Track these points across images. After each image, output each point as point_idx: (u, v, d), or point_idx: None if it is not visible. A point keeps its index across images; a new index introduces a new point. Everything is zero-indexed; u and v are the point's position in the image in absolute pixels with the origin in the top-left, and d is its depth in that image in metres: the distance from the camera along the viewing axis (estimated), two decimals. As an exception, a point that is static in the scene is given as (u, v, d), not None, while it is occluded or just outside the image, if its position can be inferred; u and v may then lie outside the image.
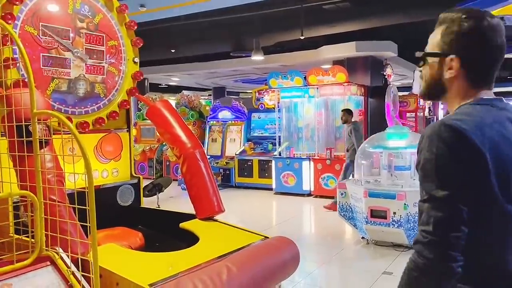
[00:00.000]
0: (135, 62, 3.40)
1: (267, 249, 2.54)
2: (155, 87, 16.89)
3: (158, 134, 12.14)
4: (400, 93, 10.99)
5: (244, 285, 2.23)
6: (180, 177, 10.08)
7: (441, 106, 17.53)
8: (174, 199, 9.00)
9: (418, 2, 8.83)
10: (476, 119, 1.20)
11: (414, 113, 10.25)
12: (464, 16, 1.25)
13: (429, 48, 1.34)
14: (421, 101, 10.88)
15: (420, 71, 1.37)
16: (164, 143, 11.94)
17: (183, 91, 16.06)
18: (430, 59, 1.32)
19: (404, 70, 12.42)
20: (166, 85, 17.18)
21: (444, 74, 1.28)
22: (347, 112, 8.06)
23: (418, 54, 1.36)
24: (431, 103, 13.47)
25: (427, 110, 12.19)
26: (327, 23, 9.57)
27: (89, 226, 1.95)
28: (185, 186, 9.41)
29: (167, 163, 11.85)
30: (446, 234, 1.11)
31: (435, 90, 1.34)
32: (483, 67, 1.28)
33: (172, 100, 14.10)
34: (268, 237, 2.75)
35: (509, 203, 1.16)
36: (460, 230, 1.11)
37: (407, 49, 11.55)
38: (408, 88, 13.38)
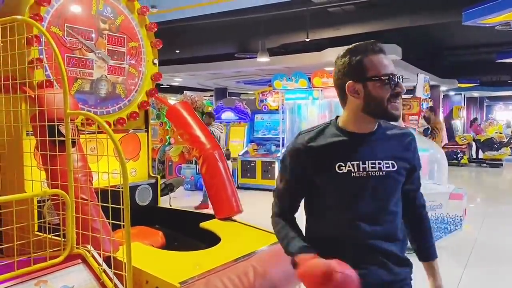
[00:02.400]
0: (154, 64, 3.44)
1: (289, 249, 2.58)
2: (156, 87, 16.87)
3: (160, 134, 12.19)
4: (403, 96, 11.03)
5: (269, 284, 2.28)
6: (184, 177, 10.12)
7: (441, 109, 17.68)
8: (177, 200, 9.02)
9: (422, 6, 8.91)
10: None
11: (417, 116, 10.30)
12: None
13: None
14: (424, 105, 10.94)
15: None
16: (166, 144, 11.97)
17: (185, 91, 16.08)
18: None
19: (407, 73, 12.50)
20: (168, 85, 17.19)
21: None
22: (208, 115, 8.67)
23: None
24: (433, 106, 13.54)
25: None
26: (332, 26, 9.64)
27: (123, 225, 1.99)
28: (188, 186, 9.38)
29: (170, 163, 11.87)
30: None
31: None
32: None
33: (173, 100, 14.12)
34: (288, 238, 2.78)
35: None
36: None
37: (411, 53, 11.64)
38: (411, 91, 13.45)
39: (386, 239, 1.54)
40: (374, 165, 1.51)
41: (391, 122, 1.62)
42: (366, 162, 1.50)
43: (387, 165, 1.52)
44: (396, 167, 1.53)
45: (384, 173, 1.52)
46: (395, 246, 1.56)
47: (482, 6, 6.25)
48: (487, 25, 7.20)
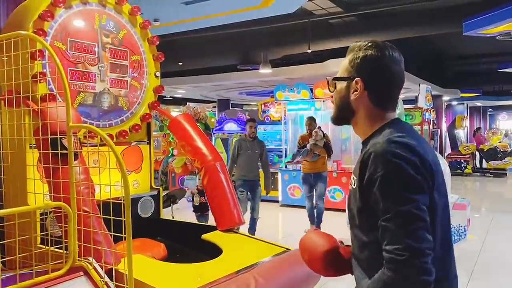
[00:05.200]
0: (156, 76, 3.47)
1: (291, 261, 2.58)
2: (159, 99, 16.97)
3: (163, 146, 12.22)
4: (405, 106, 11.06)
5: (271, 296, 2.27)
6: (187, 189, 10.11)
7: (444, 119, 17.67)
8: (180, 211, 9.00)
9: (423, 17, 8.98)
10: (410, 133, 1.30)
11: (420, 126, 10.31)
12: (369, 44, 1.35)
13: (339, 74, 1.42)
14: (426, 114, 10.95)
15: (332, 97, 1.44)
16: (169, 155, 11.99)
17: (188, 103, 16.16)
18: (338, 84, 1.40)
19: (408, 83, 12.53)
20: (171, 97, 17.29)
21: (350, 96, 1.36)
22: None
23: (329, 78, 1.44)
24: (436, 116, 13.54)
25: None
26: (334, 37, 9.71)
27: (125, 237, 2.00)
28: (190, 198, 9.38)
29: (172, 174, 11.88)
30: (421, 247, 1.11)
31: (345, 113, 1.41)
32: (383, 89, 1.36)
33: (176, 112, 14.19)
34: (290, 249, 2.79)
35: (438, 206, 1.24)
36: (429, 240, 1.14)
37: (413, 63, 11.68)
38: (413, 101, 13.46)
39: None
40: None
41: None
42: None
43: None
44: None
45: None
46: None
47: (482, 17, 6.29)
48: (488, 35, 7.23)
